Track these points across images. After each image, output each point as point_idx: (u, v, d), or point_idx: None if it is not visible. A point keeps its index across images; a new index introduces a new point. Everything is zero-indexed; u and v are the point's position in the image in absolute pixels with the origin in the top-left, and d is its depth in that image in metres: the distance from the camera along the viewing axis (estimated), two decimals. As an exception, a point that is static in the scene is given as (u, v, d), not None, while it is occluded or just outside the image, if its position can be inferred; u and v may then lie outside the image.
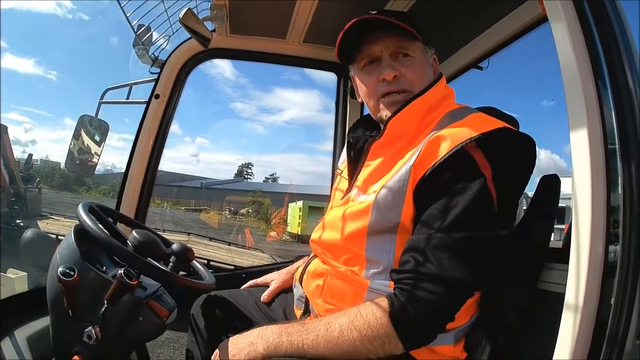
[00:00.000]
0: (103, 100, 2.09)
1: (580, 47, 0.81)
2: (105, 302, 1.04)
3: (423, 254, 0.93)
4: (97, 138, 2.07)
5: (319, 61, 2.15)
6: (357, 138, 1.22)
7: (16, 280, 2.61)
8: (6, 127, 9.49)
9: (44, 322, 1.35)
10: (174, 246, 1.25)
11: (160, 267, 1.16)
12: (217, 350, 1.08)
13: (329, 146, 2.23)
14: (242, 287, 1.55)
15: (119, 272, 1.02)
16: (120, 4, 1.76)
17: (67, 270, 1.01)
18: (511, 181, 1.01)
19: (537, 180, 1.18)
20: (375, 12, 1.18)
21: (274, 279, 1.50)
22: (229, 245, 14.63)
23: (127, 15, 1.82)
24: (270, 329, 1.03)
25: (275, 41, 2.05)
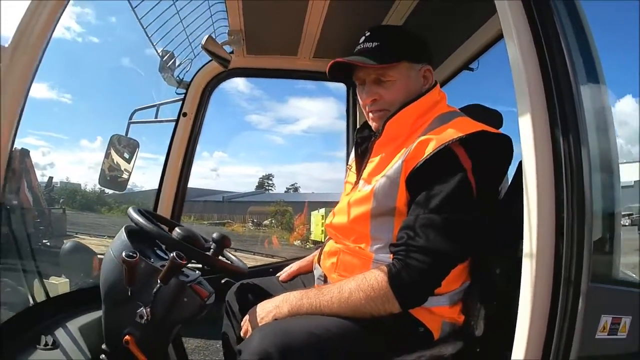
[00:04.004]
0: (132, 120, 2.30)
1: (533, 64, 0.98)
2: (159, 282, 1.24)
3: (414, 231, 1.13)
4: (126, 155, 2.25)
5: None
6: (363, 138, 1.45)
7: (59, 286, 2.87)
8: (28, 151, 9.75)
9: (91, 316, 1.56)
10: (214, 235, 1.46)
11: (203, 252, 1.36)
12: (247, 315, 1.29)
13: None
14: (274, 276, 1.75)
15: (171, 254, 1.22)
16: (147, 34, 1.99)
17: (130, 253, 1.22)
18: (489, 173, 1.19)
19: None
20: (362, 41, 1.39)
21: (296, 263, 1.74)
22: (254, 254, 14.91)
23: (155, 44, 2.05)
24: (293, 294, 1.24)
25: (288, 58, 2.25)
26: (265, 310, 1.24)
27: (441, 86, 1.45)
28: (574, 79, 0.94)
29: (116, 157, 2.25)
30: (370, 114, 1.40)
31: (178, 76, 2.24)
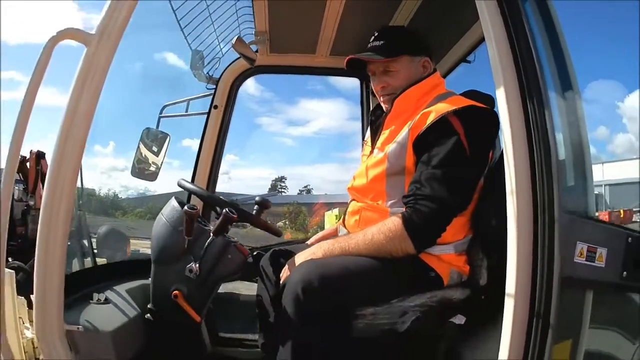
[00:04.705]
0: (162, 115, 2.52)
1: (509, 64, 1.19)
2: (211, 235, 1.47)
3: (420, 184, 1.40)
4: (154, 149, 2.46)
5: (345, 70, 2.55)
6: (377, 116, 1.76)
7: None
8: (44, 154, 9.82)
9: (134, 284, 1.78)
10: (256, 198, 1.70)
11: (248, 211, 1.60)
12: (285, 266, 1.53)
13: (357, 154, 2.41)
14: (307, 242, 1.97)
15: (224, 210, 1.46)
16: (184, 34, 2.26)
17: (192, 205, 1.47)
18: (479, 138, 1.45)
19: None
20: (372, 40, 1.69)
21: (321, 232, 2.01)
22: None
23: (190, 43, 2.32)
24: (325, 242, 1.52)
25: (307, 56, 2.49)
26: (303, 256, 1.50)
27: (443, 78, 1.75)
28: (536, 54, 1.17)
29: (148, 150, 2.45)
30: (382, 98, 1.69)
31: (207, 73, 2.49)
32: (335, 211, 23.15)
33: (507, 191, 1.15)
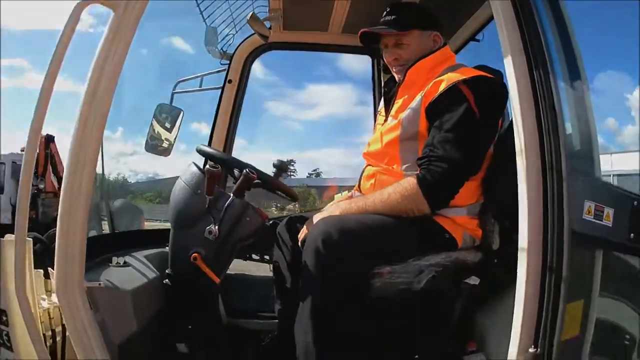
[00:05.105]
0: (176, 91, 2.58)
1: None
2: (232, 195, 1.52)
3: (433, 146, 1.46)
4: (168, 125, 2.50)
5: (356, 47, 2.57)
6: (389, 87, 1.81)
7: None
8: (53, 137, 9.83)
9: (151, 251, 1.83)
10: (274, 161, 1.76)
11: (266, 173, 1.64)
12: (304, 227, 1.59)
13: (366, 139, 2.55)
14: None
15: (244, 170, 1.50)
16: (200, 9, 2.31)
17: (214, 164, 1.51)
18: (487, 106, 1.50)
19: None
20: (384, 15, 1.74)
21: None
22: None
23: (205, 19, 2.38)
24: (343, 202, 1.60)
25: (319, 33, 2.53)
26: (320, 215, 1.56)
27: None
28: (542, 29, 1.20)
29: (161, 126, 2.49)
30: (394, 69, 1.75)
31: (221, 49, 2.54)
32: (345, 193, 23.24)
33: (516, 151, 1.19)
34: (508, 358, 1.16)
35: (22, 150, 9.39)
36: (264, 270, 2.34)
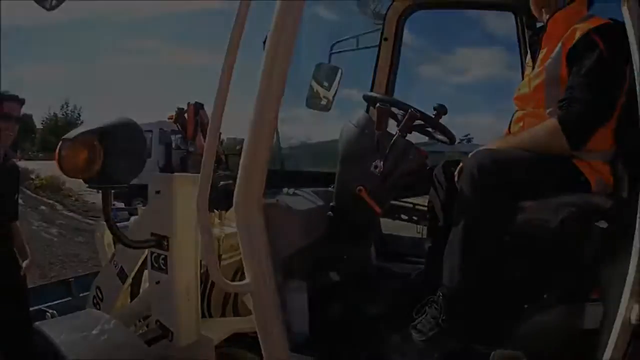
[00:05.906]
0: (333, 51, 2.79)
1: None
2: (398, 132, 1.69)
3: (573, 89, 1.60)
4: (326, 83, 2.60)
5: (498, 4, 2.68)
6: (534, 40, 1.97)
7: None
8: (202, 104, 10.04)
9: (317, 189, 1.98)
10: (435, 105, 1.86)
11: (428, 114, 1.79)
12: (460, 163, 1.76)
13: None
14: None
15: (409, 110, 1.70)
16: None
17: (383, 104, 1.73)
18: (617, 52, 1.54)
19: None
20: None
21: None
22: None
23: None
24: (497, 140, 1.78)
25: (465, -9, 2.66)
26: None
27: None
28: None
29: (319, 84, 2.61)
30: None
31: (374, 10, 2.77)
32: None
33: None
34: (619, 310, 1.24)
35: (169, 119, 10.56)
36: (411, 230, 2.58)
